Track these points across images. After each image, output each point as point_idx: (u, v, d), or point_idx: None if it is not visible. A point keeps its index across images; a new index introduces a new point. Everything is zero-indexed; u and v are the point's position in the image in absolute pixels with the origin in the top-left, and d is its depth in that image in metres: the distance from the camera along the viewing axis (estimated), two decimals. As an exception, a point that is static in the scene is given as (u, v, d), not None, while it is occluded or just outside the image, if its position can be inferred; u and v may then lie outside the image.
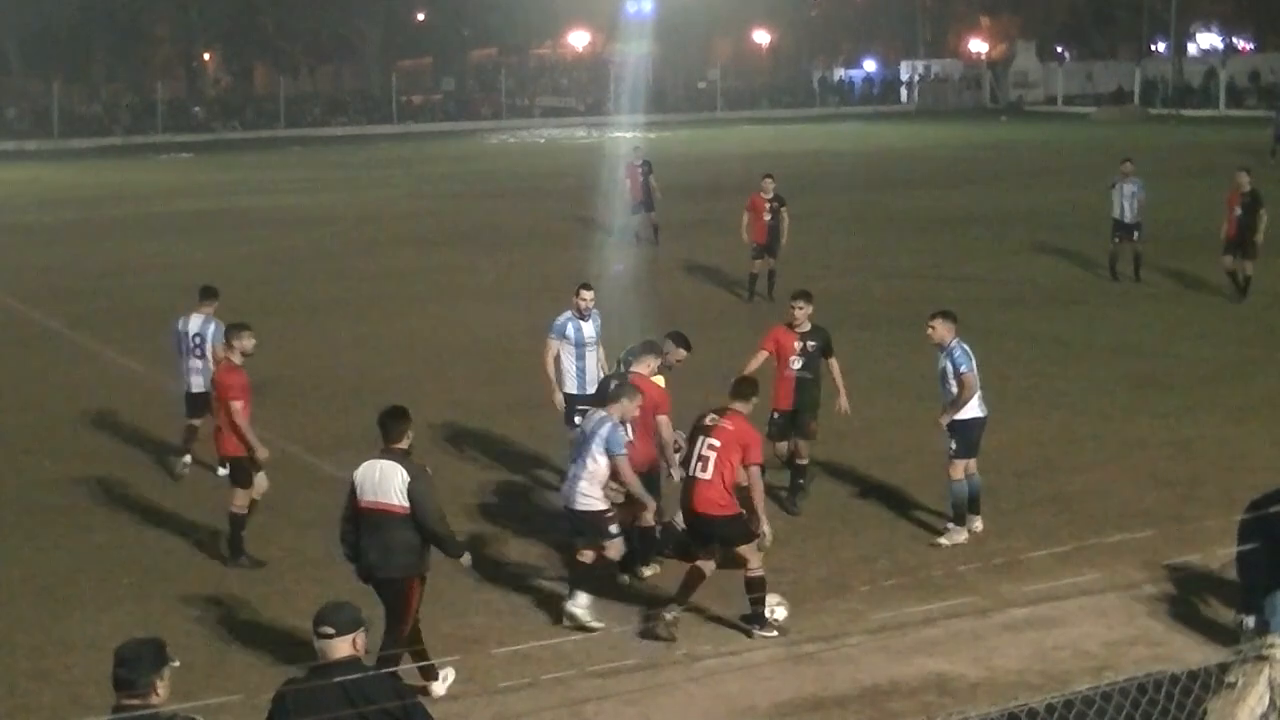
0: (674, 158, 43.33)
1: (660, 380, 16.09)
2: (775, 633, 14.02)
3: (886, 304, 30.14)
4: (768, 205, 31.53)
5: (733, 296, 31.96)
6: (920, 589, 14.72)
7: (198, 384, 19.66)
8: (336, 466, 18.21)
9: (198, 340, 19.79)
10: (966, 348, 16.59)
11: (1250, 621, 11.75)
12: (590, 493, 14.43)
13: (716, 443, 14.23)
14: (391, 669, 11.16)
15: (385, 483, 12.69)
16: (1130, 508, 17.26)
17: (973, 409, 16.52)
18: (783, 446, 17.84)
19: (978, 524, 16.62)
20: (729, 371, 16.70)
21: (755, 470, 14.25)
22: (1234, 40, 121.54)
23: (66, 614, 15.01)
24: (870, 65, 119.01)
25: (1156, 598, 14.54)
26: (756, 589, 14.13)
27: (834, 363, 18.09)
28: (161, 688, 8.37)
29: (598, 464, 14.40)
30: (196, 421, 19.76)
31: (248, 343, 16.96)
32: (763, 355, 17.99)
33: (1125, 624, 14.07)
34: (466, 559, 13.40)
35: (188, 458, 19.95)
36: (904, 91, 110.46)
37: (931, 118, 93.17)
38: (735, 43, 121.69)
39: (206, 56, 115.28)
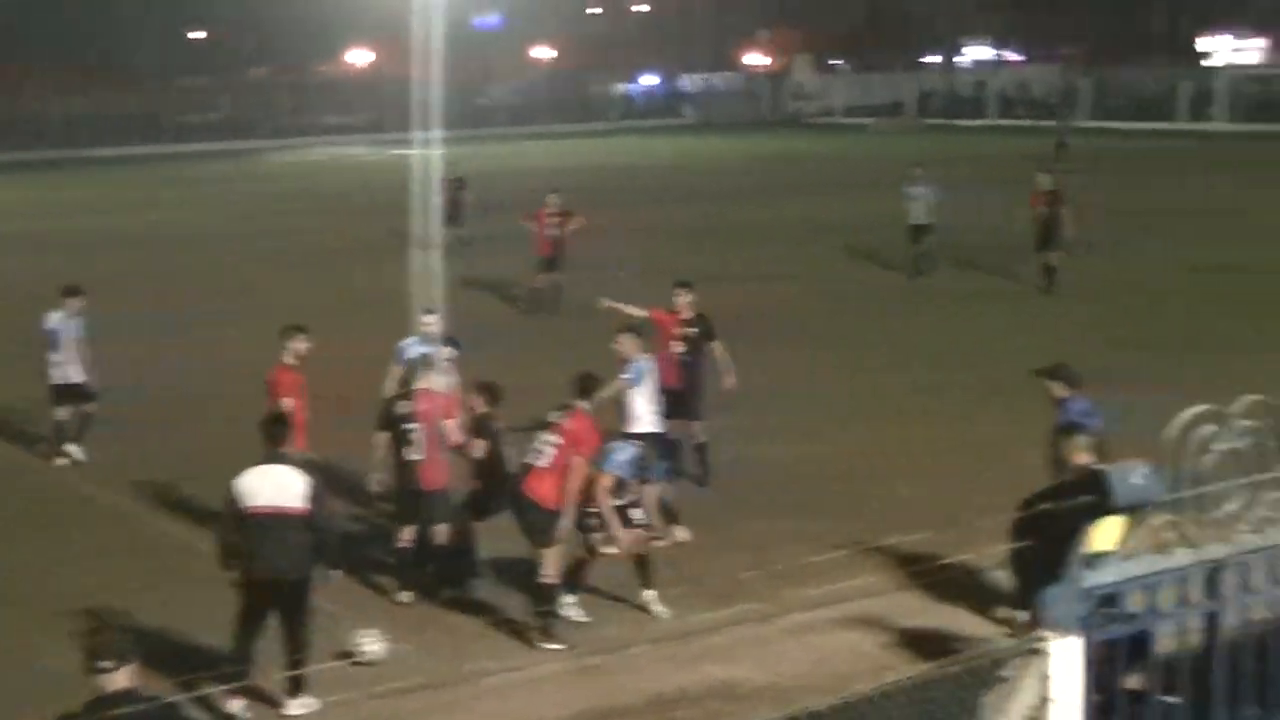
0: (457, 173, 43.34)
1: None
2: (559, 645, 14.07)
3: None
4: (552, 220, 31.72)
5: (516, 310, 32.00)
6: (704, 597, 14.87)
7: (58, 376, 20.66)
8: (119, 495, 18.16)
9: (55, 336, 20.68)
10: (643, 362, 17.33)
11: (1023, 617, 12.06)
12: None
13: (557, 439, 14.60)
14: (170, 700, 10.96)
15: (283, 486, 12.75)
16: (907, 509, 17.58)
17: (644, 424, 17.08)
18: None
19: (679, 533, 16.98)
20: (516, 386, 16.84)
21: (580, 461, 14.55)
22: (1004, 53, 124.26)
23: None
24: (651, 79, 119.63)
25: (933, 597, 14.82)
26: (547, 597, 14.20)
27: (718, 346, 19.11)
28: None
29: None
30: (63, 413, 20.80)
31: (300, 345, 17.31)
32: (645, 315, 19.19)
33: (904, 624, 14.33)
34: (336, 575, 13.45)
35: (72, 448, 20.83)
36: (685, 105, 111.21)
37: (712, 130, 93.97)
38: (516, 58, 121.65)
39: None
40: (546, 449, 14.63)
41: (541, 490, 14.49)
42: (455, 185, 40.25)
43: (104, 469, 20.59)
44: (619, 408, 17.27)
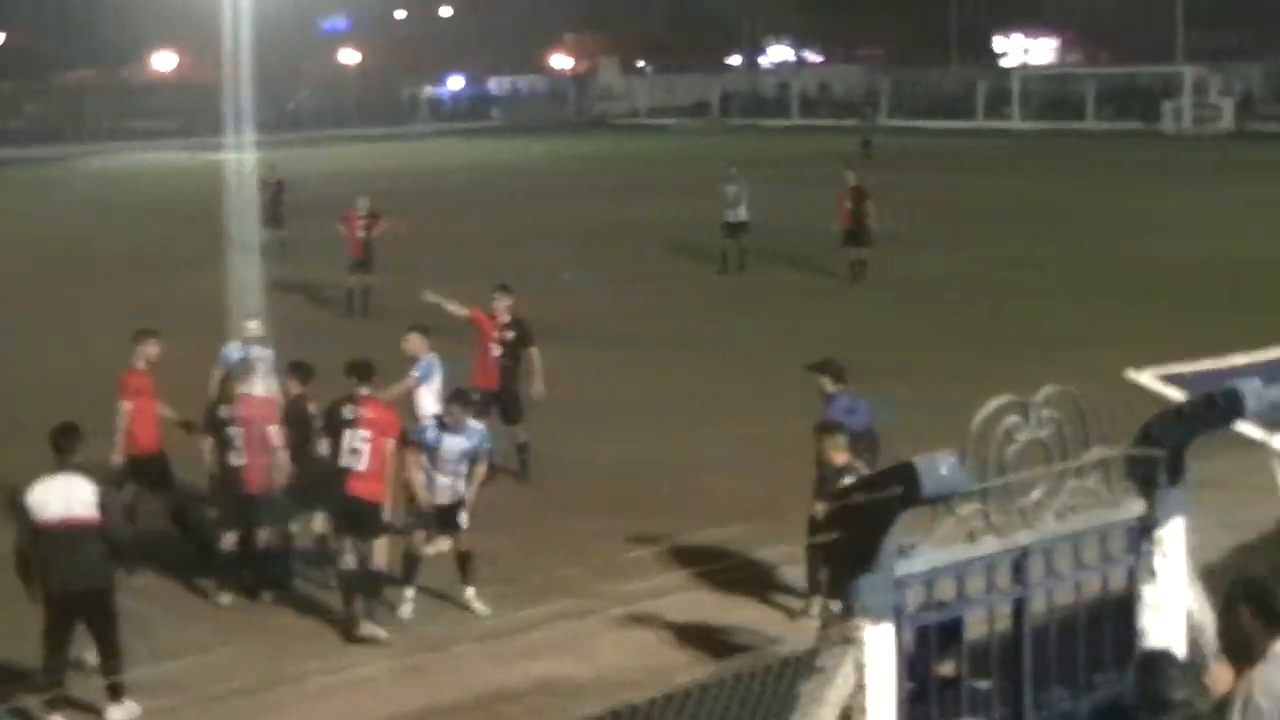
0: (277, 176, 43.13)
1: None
2: (383, 634, 14.21)
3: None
4: (362, 222, 31.78)
5: (329, 313, 31.90)
6: (525, 594, 15.00)
7: None
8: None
9: None
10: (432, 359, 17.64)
11: (837, 606, 12.32)
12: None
13: (366, 434, 14.78)
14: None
15: (74, 496, 12.57)
16: (724, 503, 17.83)
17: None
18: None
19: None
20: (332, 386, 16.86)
21: (391, 444, 14.85)
22: (804, 54, 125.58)
23: None
24: (459, 82, 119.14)
25: (750, 589, 15.09)
26: (375, 588, 14.41)
27: (534, 351, 19.27)
28: None
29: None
30: None
31: (151, 349, 17.13)
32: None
33: (721, 616, 14.59)
34: (140, 577, 13.51)
35: None
36: (492, 108, 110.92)
37: (519, 133, 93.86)
38: (324, 62, 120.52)
39: None
40: (361, 449, 14.79)
41: (364, 488, 14.66)
42: (275, 188, 40.01)
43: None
44: (409, 405, 17.36)
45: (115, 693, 12.73)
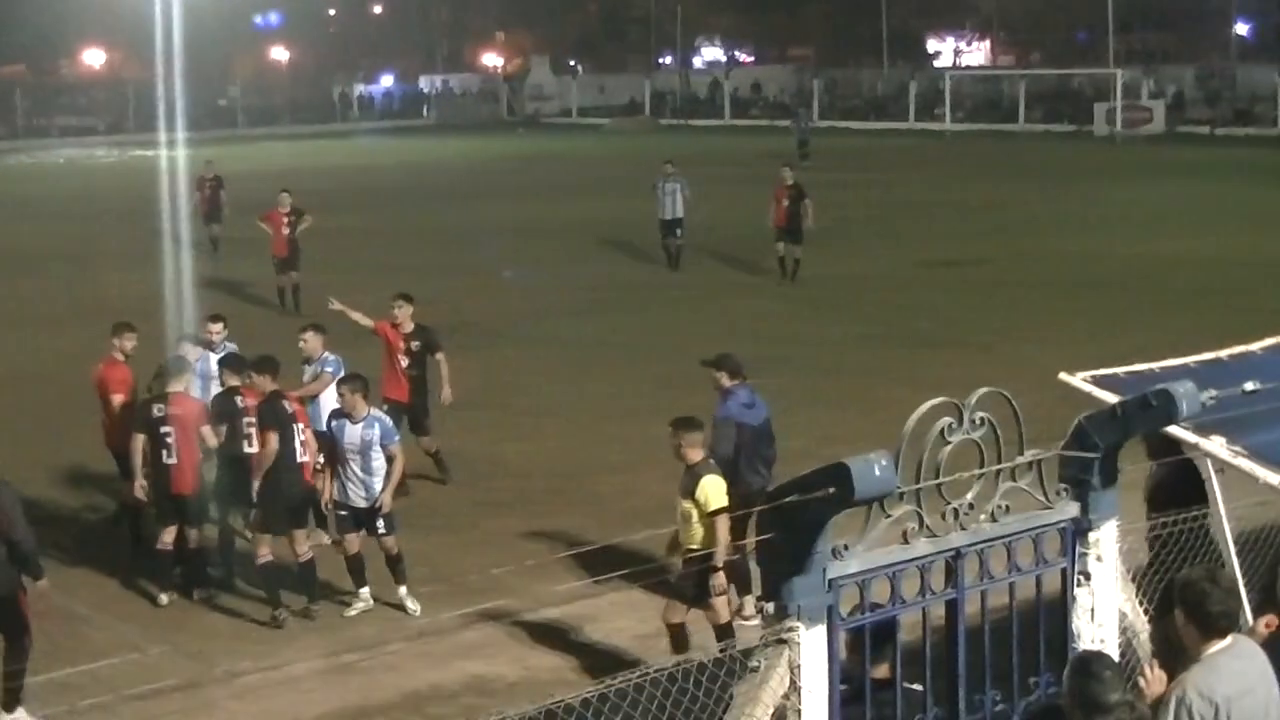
0: (197, 174, 42.97)
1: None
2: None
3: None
4: (286, 219, 31.69)
5: (266, 310, 31.73)
6: (457, 594, 14.97)
7: None
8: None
9: None
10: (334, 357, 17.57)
11: (770, 607, 12.34)
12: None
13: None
14: None
15: None
16: (657, 504, 17.79)
17: None
18: None
19: None
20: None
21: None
22: (736, 54, 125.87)
23: None
24: (389, 80, 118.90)
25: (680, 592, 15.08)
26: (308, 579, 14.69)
27: (441, 358, 18.94)
28: None
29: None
30: None
31: (128, 342, 17.19)
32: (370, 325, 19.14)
33: (654, 617, 14.57)
34: (45, 584, 12.70)
35: None
36: (424, 107, 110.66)
37: (451, 131, 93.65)
38: (255, 59, 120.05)
39: None
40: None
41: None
42: (214, 184, 39.78)
43: None
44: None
45: (10, 701, 12.48)
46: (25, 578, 12.45)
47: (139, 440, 15.62)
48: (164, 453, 15.47)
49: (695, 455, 13.18)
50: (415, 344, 18.88)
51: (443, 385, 19.00)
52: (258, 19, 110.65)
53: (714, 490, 12.88)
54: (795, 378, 24.14)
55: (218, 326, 18.18)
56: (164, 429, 15.48)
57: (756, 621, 14.13)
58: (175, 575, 15.63)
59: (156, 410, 15.64)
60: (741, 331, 27.61)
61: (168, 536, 15.58)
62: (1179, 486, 10.40)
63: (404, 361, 18.80)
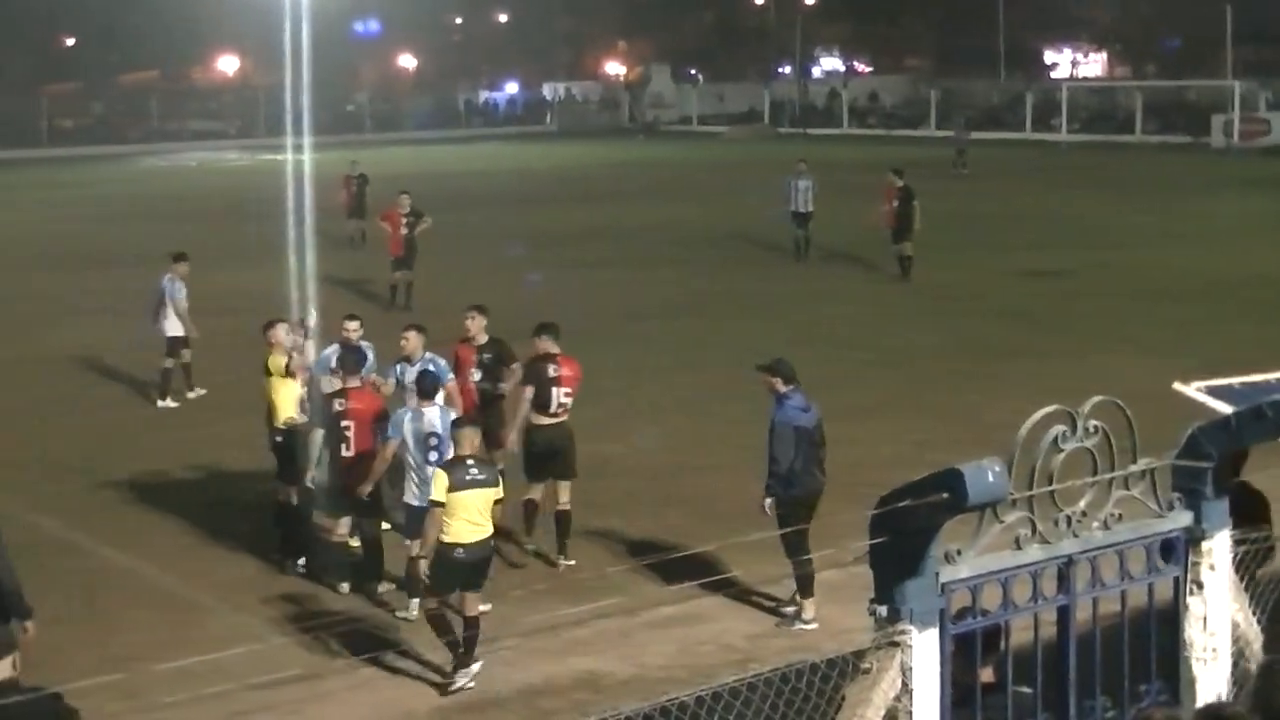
0: (324, 178, 43.59)
1: None
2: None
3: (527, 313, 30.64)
4: (404, 220, 32.35)
5: (375, 307, 32.10)
6: (570, 592, 15.15)
7: (168, 329, 24.29)
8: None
9: (164, 295, 24.40)
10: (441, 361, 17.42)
11: (883, 610, 12.42)
12: None
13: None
14: (54, 691, 10.95)
15: None
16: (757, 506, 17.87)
17: None
18: None
19: None
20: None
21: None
22: (853, 63, 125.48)
23: None
24: (513, 88, 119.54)
25: (790, 592, 15.18)
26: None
27: (517, 369, 18.15)
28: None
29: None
30: (169, 362, 24.31)
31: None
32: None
33: (766, 617, 14.73)
34: (31, 626, 11.85)
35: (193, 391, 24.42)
36: (547, 113, 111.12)
37: (572, 138, 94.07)
38: (381, 66, 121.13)
39: None
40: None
41: None
42: (358, 182, 41.74)
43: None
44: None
45: None
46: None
47: (318, 433, 15.87)
48: (342, 446, 15.69)
49: (467, 449, 13.87)
50: (487, 356, 18.23)
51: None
52: (381, 27, 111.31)
53: None
54: (887, 384, 24.19)
55: (354, 325, 18.11)
56: (344, 423, 15.71)
57: (814, 625, 14.33)
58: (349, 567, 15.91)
59: (337, 404, 15.87)
60: (834, 337, 27.65)
61: (341, 528, 15.81)
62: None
63: (475, 375, 18.11)
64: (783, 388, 14.96)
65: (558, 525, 16.96)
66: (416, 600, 14.81)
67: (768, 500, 14.73)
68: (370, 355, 17.74)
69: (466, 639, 13.49)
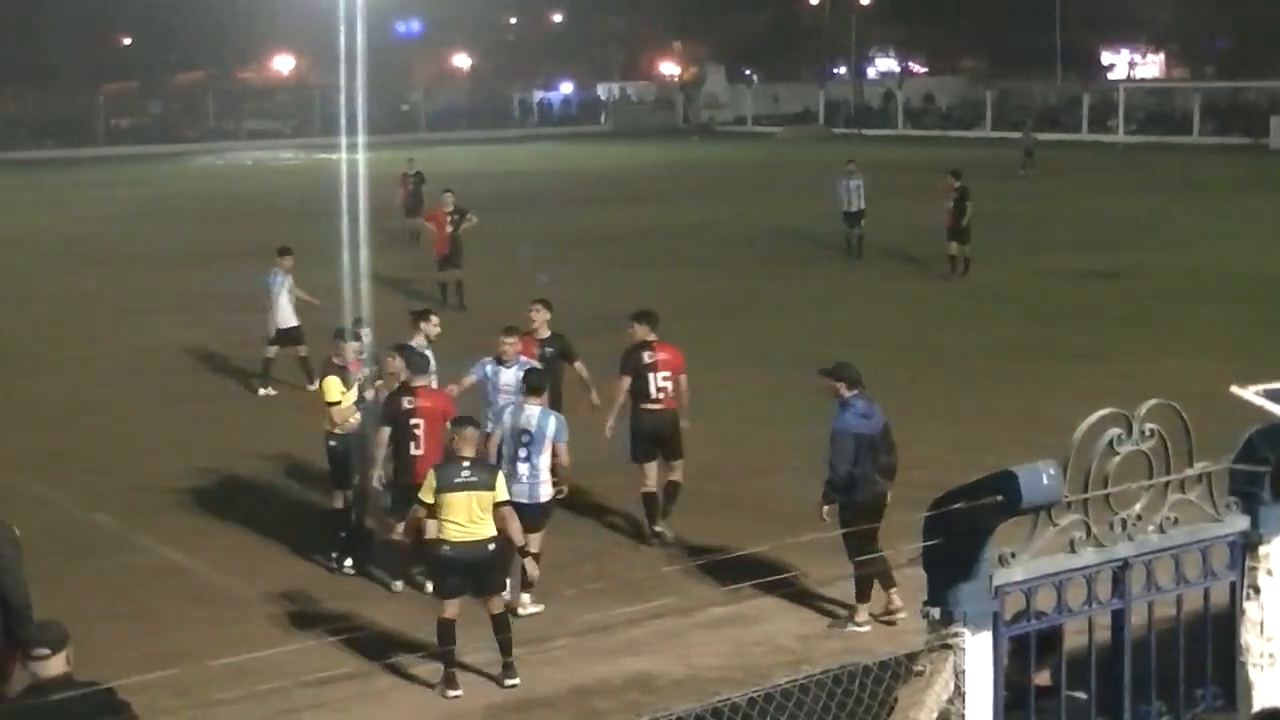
0: (380, 177, 43.86)
1: None
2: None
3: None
4: (449, 218, 32.43)
5: (425, 306, 32.24)
6: (624, 592, 15.15)
7: (278, 321, 24.85)
8: (48, 486, 18.31)
9: (270, 288, 25.03)
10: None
11: (936, 613, 12.39)
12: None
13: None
14: (107, 685, 10.91)
15: None
16: (810, 507, 17.82)
17: None
18: None
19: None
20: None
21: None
22: (909, 64, 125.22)
23: None
24: (568, 88, 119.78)
25: (849, 593, 15.14)
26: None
27: (579, 365, 18.38)
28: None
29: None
30: (272, 352, 25.01)
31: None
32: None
33: (819, 619, 14.69)
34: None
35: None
36: (601, 113, 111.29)
37: (627, 138, 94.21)
38: (437, 65, 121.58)
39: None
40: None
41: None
42: (415, 179, 42.23)
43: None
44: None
45: None
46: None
47: (384, 432, 15.86)
48: (411, 444, 15.67)
49: (468, 450, 13.89)
50: (549, 350, 18.29)
51: (590, 390, 18.33)
52: (438, 27, 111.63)
53: None
54: (941, 386, 24.14)
55: (512, 339, 17.55)
56: (413, 421, 15.70)
57: (868, 628, 14.30)
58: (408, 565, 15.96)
59: (406, 403, 15.84)
60: (887, 338, 27.57)
61: (400, 526, 15.82)
62: None
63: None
64: (846, 393, 14.88)
65: (665, 495, 17.47)
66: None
67: (825, 507, 14.65)
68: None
69: (501, 641, 13.53)
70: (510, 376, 16.85)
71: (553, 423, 15.49)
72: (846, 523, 14.17)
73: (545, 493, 15.44)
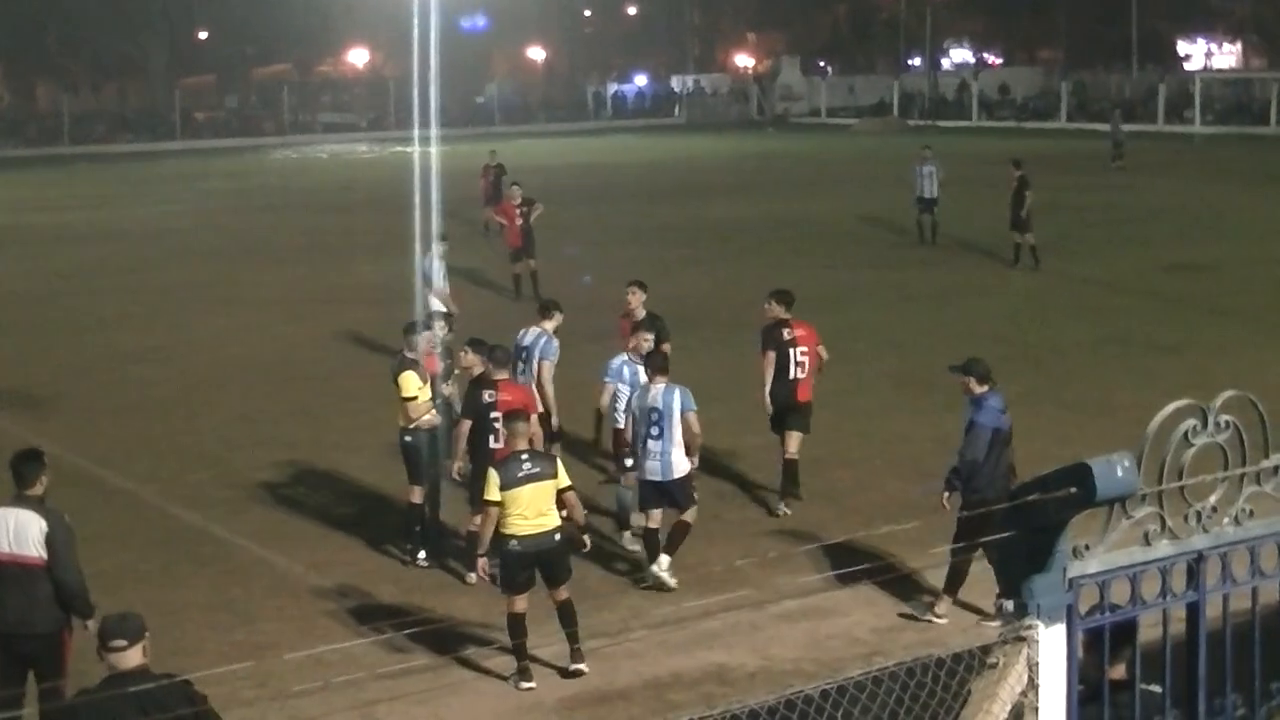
0: (455, 170, 44.11)
1: None
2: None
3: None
4: (518, 210, 32.66)
5: (499, 298, 32.45)
6: (699, 584, 15.17)
7: (432, 304, 23.84)
8: (126, 479, 18.46)
9: (427, 274, 25.14)
10: None
11: (1010, 605, 12.36)
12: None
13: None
14: (184, 678, 11.03)
15: (22, 533, 11.74)
16: (897, 500, 17.85)
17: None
18: None
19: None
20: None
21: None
22: (984, 55, 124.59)
23: None
24: (642, 80, 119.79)
25: (922, 586, 15.16)
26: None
27: (666, 349, 18.40)
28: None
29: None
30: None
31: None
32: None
33: (893, 611, 14.70)
34: (93, 625, 11.28)
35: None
36: (675, 106, 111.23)
37: (701, 130, 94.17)
38: (511, 58, 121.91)
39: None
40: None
41: None
42: (496, 171, 42.86)
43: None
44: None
45: None
46: (74, 618, 11.95)
47: (465, 424, 15.92)
48: (490, 438, 15.65)
49: (521, 443, 13.95)
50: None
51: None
52: (464, 22, 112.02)
53: None
54: (1029, 380, 23.96)
55: (649, 337, 17.86)
56: (493, 415, 15.70)
57: (945, 620, 14.27)
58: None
59: (487, 396, 15.88)
60: (974, 333, 27.46)
61: (478, 520, 15.85)
62: None
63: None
64: (978, 388, 14.87)
65: (784, 473, 18.03)
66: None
67: (946, 494, 14.67)
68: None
69: (569, 634, 13.60)
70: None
71: (678, 396, 15.82)
72: (961, 513, 14.16)
73: (682, 468, 15.73)
